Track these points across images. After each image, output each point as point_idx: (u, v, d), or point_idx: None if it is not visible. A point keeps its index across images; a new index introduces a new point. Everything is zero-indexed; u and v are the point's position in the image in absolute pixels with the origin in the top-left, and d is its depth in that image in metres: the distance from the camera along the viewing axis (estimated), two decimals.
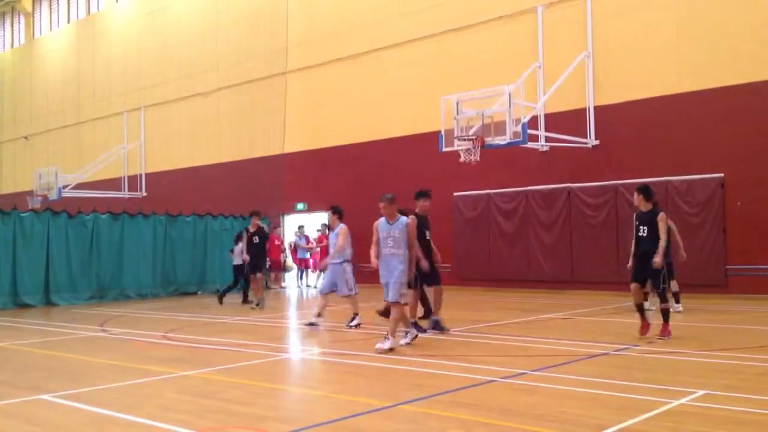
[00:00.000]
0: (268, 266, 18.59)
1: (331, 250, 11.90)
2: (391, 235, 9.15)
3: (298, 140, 24.30)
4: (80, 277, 18.77)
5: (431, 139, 17.57)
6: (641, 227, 9.69)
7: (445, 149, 16.17)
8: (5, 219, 17.61)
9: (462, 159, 15.71)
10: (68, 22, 35.88)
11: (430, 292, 10.78)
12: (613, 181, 16.98)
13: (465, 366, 7.91)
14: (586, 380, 6.99)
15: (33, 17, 38.49)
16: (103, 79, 32.74)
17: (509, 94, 15.02)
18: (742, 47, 15.47)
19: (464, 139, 15.55)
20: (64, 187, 26.23)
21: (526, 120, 15.47)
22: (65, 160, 32.16)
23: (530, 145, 16.51)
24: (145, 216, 20.53)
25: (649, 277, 9.67)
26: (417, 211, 10.59)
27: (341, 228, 11.74)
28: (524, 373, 7.37)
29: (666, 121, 16.40)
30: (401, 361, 8.31)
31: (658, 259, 9.38)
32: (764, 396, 6.20)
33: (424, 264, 10.25)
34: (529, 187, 18.42)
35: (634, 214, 10.00)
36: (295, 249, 22.92)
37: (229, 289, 17.49)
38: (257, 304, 15.64)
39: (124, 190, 28.98)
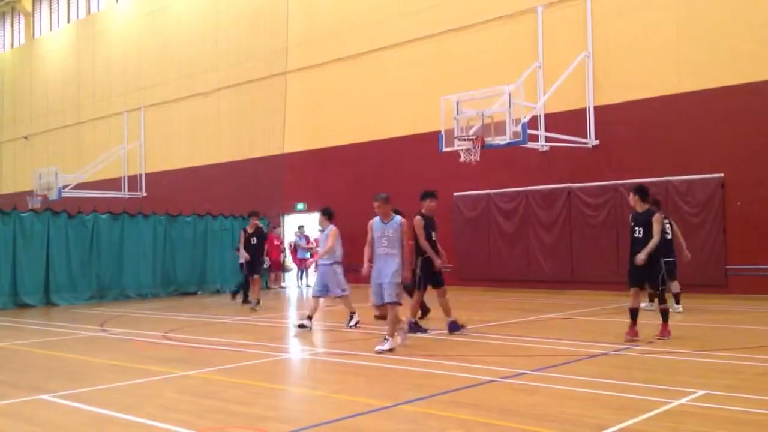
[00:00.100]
0: (267, 266, 18.57)
1: (320, 250, 11.90)
2: (386, 234, 9.14)
3: (298, 140, 24.30)
4: (80, 277, 18.76)
5: (431, 139, 17.57)
6: (636, 228, 9.52)
7: (445, 149, 16.18)
8: (5, 219, 17.60)
9: (462, 159, 15.71)
10: (68, 22, 35.88)
11: (430, 293, 10.70)
12: (613, 181, 16.97)
13: (465, 366, 7.91)
14: (586, 380, 6.99)
15: (33, 17, 38.48)
16: (103, 79, 32.74)
17: (509, 94, 15.02)
18: (742, 47, 15.46)
19: (464, 139, 15.55)
20: (64, 187, 26.23)
21: (526, 120, 15.47)
22: (65, 160, 32.16)
23: (530, 145, 16.51)
24: (145, 216, 20.52)
25: (647, 279, 9.57)
26: (423, 211, 10.50)
27: (331, 229, 11.74)
28: (524, 373, 7.37)
29: (666, 121, 16.40)
30: (401, 361, 8.31)
31: (642, 256, 9.25)
32: (764, 396, 6.20)
33: (438, 262, 10.19)
34: (529, 187, 18.42)
35: (630, 215, 9.82)
36: (295, 249, 22.91)
37: (241, 286, 17.35)
38: (256, 305, 15.63)
39: (124, 190, 28.99)
